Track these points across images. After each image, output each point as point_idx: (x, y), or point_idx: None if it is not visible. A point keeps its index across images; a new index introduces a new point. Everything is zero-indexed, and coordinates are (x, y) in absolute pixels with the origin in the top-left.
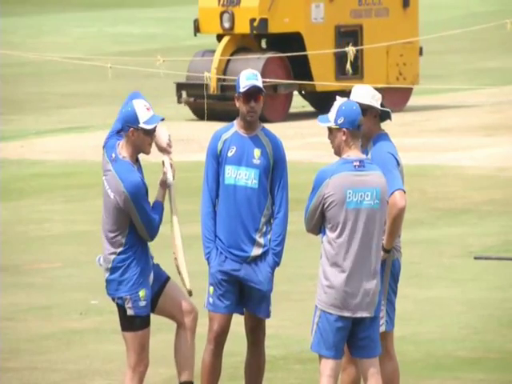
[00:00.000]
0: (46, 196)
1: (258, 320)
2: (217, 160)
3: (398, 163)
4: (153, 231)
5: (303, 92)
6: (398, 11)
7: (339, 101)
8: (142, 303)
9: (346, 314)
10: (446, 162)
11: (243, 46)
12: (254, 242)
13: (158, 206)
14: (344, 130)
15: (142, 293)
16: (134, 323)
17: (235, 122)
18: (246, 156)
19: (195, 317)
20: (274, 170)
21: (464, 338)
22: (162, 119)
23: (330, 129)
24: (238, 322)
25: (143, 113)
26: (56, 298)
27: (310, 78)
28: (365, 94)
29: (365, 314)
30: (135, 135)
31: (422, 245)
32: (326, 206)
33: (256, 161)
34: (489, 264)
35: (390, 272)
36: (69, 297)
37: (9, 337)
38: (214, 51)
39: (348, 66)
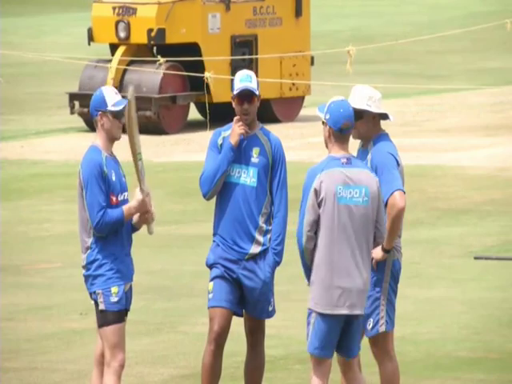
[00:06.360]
0: (46, 196)
1: (258, 321)
2: (218, 151)
3: (398, 163)
4: (93, 217)
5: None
6: (291, 20)
7: (336, 97)
8: (114, 299)
9: (341, 311)
10: (446, 162)
11: (139, 56)
12: (252, 240)
13: (118, 210)
14: (328, 127)
15: (114, 289)
16: (106, 318)
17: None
18: (244, 154)
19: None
20: (273, 169)
21: (464, 338)
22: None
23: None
24: (238, 322)
25: (111, 97)
26: (56, 298)
27: (207, 89)
28: (361, 97)
29: (357, 312)
30: (104, 119)
31: (421, 245)
32: (319, 200)
33: (255, 159)
34: (489, 264)
35: (390, 272)
36: (69, 297)
37: (9, 337)
38: (108, 60)
39: (348, 65)
